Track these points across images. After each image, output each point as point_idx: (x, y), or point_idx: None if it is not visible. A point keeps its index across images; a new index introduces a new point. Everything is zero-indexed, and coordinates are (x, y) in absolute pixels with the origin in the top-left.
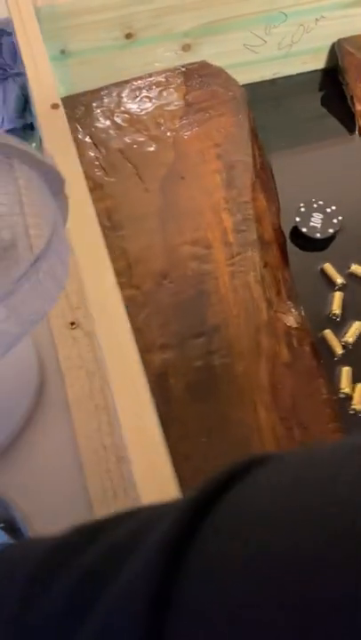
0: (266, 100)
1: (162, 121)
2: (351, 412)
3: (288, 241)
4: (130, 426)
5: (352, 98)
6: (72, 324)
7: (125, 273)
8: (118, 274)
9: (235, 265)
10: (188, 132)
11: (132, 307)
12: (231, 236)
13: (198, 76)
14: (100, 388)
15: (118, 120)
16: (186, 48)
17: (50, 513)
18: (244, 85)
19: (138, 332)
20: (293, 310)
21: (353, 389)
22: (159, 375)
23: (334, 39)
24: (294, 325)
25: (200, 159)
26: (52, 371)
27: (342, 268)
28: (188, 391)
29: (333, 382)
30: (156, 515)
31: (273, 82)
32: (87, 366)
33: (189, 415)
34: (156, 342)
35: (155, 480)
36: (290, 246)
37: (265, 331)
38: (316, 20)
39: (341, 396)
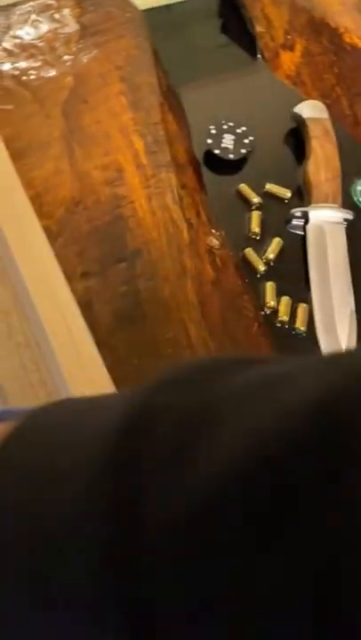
0: (162, 27)
1: (57, 45)
2: (278, 325)
3: (202, 166)
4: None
5: (251, 20)
6: None
7: (35, 202)
8: None
9: (150, 187)
10: (87, 56)
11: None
12: (144, 158)
13: None
14: (19, 327)
15: (8, 46)
16: None
17: None
18: None
19: None
20: (214, 231)
21: (278, 303)
22: (84, 303)
23: None
24: (216, 246)
25: (102, 82)
26: None
27: (258, 188)
28: (114, 317)
29: (259, 299)
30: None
31: (169, 7)
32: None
33: (118, 340)
34: (76, 271)
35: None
36: (204, 171)
37: (188, 251)
38: None
39: (268, 311)
